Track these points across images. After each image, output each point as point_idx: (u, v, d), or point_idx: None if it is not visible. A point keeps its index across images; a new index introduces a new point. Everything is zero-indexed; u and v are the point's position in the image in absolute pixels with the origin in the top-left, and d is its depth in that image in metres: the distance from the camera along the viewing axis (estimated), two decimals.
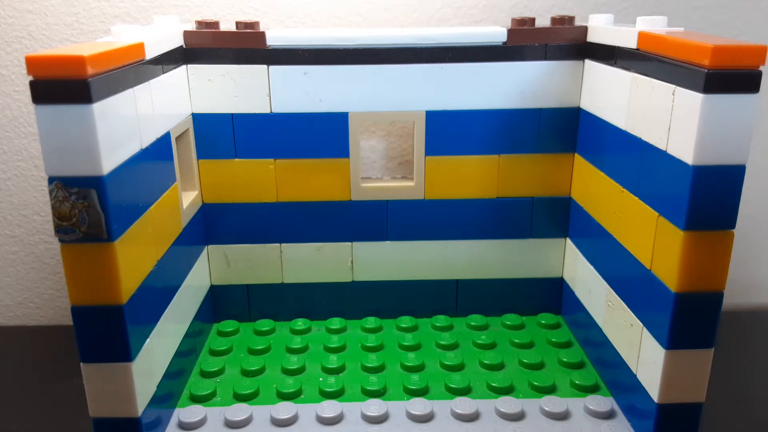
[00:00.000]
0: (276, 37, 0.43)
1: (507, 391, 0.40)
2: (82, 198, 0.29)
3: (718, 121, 0.29)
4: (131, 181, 0.32)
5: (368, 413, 0.37)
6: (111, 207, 0.29)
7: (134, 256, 0.32)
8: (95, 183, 0.29)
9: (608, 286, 0.40)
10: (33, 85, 0.28)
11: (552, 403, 0.38)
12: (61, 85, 0.28)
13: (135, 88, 0.33)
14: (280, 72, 0.44)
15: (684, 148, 0.31)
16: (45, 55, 0.27)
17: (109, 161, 0.29)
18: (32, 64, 0.27)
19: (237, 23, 0.43)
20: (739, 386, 0.47)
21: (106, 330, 0.31)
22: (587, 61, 0.44)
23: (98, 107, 0.28)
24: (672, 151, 0.32)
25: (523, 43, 0.43)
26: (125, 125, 0.32)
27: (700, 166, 0.30)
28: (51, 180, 0.29)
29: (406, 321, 0.48)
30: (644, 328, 0.35)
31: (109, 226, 0.29)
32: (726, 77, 0.29)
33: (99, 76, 0.29)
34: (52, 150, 0.28)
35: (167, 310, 0.38)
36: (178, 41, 0.41)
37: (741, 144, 0.30)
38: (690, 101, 0.30)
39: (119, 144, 0.31)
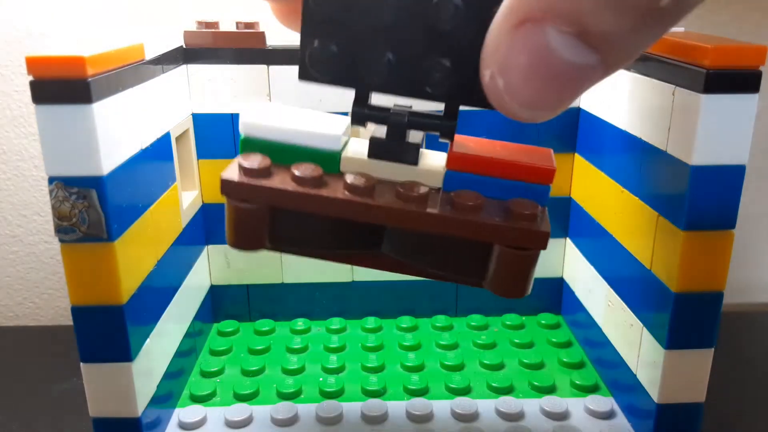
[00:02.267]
0: (276, 37, 0.43)
1: (507, 391, 0.40)
2: (82, 198, 0.29)
3: (719, 121, 0.29)
4: (131, 181, 0.32)
5: (368, 413, 0.37)
6: (111, 207, 0.29)
7: (134, 256, 0.32)
8: (95, 183, 0.29)
9: (608, 286, 0.40)
10: (33, 86, 0.28)
11: (552, 403, 0.38)
12: (62, 86, 0.27)
13: (135, 88, 0.33)
14: (280, 72, 0.44)
15: (684, 148, 0.31)
16: (45, 56, 0.27)
17: (109, 161, 0.29)
18: (32, 64, 0.27)
19: (237, 23, 0.43)
20: (739, 386, 0.47)
21: (106, 330, 0.31)
22: None
23: (98, 107, 0.28)
24: (672, 151, 0.32)
25: None
26: (125, 125, 0.32)
27: (700, 166, 0.30)
28: (51, 180, 0.29)
29: (406, 321, 0.48)
30: (644, 328, 0.35)
31: (109, 226, 0.29)
32: (726, 77, 0.29)
33: (99, 77, 0.29)
34: (52, 150, 0.28)
35: (167, 310, 0.38)
36: (177, 41, 0.41)
37: (741, 144, 0.30)
38: (690, 101, 0.30)
39: (119, 144, 0.31)
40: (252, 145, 0.27)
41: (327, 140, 0.27)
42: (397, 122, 0.26)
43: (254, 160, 0.26)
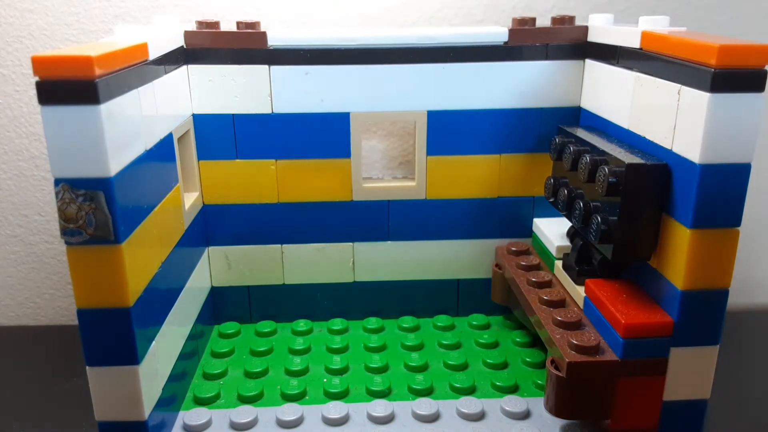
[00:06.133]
0: (277, 37, 0.43)
1: (512, 389, 0.40)
2: (89, 200, 0.29)
3: (725, 120, 0.30)
4: (137, 183, 0.32)
5: (374, 414, 0.37)
6: (118, 208, 0.29)
7: (140, 258, 0.32)
8: (103, 184, 0.28)
9: None
10: (39, 86, 0.27)
11: None
12: (69, 86, 0.27)
13: (139, 88, 0.33)
14: (281, 72, 0.43)
15: (690, 147, 0.31)
16: (52, 56, 0.27)
17: (116, 162, 0.29)
18: (39, 64, 0.27)
19: (237, 23, 0.43)
20: (740, 386, 0.47)
21: (113, 333, 0.31)
22: (587, 61, 0.44)
23: (105, 108, 0.28)
24: (677, 149, 0.32)
25: (524, 43, 0.44)
26: (131, 126, 0.32)
27: (706, 165, 0.30)
28: (57, 182, 0.28)
29: (407, 321, 0.48)
30: None
31: (117, 227, 0.29)
32: (732, 76, 0.29)
33: (106, 77, 0.28)
34: (59, 151, 0.28)
35: (171, 312, 0.38)
36: (178, 41, 0.41)
37: (747, 143, 0.30)
38: (696, 100, 0.30)
39: (125, 145, 0.31)
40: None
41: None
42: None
43: None
